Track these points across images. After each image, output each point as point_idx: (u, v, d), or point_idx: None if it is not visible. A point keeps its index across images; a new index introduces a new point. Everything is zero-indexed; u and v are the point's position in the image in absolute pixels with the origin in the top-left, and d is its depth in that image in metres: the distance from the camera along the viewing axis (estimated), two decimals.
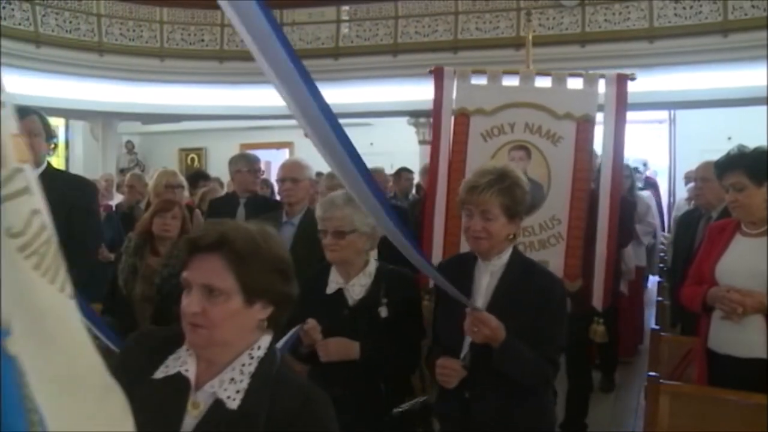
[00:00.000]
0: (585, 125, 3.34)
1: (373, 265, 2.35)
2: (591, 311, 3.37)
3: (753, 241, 2.51)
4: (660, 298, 4.20)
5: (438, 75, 3.52)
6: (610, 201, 3.31)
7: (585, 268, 3.32)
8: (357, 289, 2.30)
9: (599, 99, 3.49)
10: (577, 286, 3.32)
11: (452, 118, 3.45)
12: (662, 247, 6.16)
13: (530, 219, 3.07)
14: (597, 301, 3.32)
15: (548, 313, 2.04)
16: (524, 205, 2.09)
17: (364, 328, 2.23)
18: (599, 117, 3.47)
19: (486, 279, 2.10)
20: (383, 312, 2.25)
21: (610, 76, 3.47)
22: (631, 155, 9.37)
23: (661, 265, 5.65)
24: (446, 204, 3.40)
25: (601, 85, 3.45)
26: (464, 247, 3.01)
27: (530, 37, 4.09)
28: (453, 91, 3.47)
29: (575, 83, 3.49)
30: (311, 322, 2.19)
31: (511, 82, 3.51)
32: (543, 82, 3.50)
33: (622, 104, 3.41)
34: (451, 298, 2.01)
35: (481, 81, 3.54)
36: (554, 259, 3.27)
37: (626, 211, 3.70)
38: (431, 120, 3.65)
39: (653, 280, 7.05)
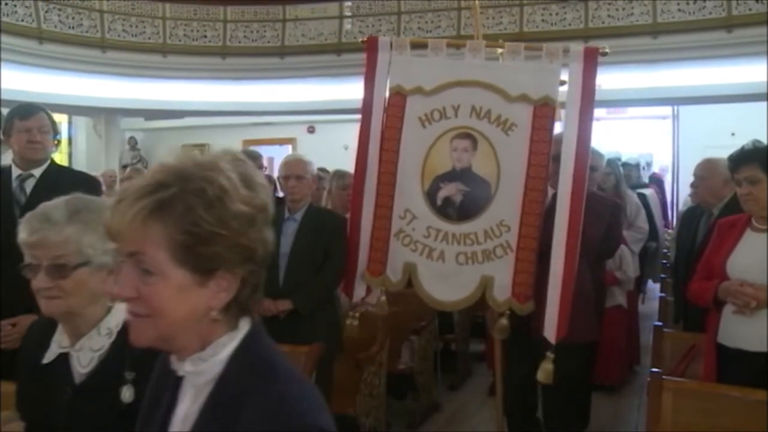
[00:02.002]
0: (544, 110, 2.66)
1: (116, 317, 1.46)
2: (541, 344, 2.69)
3: (764, 236, 2.52)
4: (663, 294, 4.19)
5: (371, 46, 2.92)
6: (570, 204, 2.59)
7: (539, 287, 2.69)
8: (86, 355, 1.46)
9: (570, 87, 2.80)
10: (527, 309, 2.72)
11: (385, 98, 2.90)
12: (666, 244, 6.08)
13: (472, 224, 2.70)
14: (549, 331, 2.63)
15: None
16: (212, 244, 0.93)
17: (95, 421, 1.39)
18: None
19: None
20: (127, 395, 1.37)
21: (575, 50, 2.76)
22: (636, 150, 9.29)
23: (664, 261, 5.60)
24: (375, 198, 2.91)
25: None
26: (394, 247, 2.89)
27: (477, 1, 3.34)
28: (387, 65, 2.89)
29: (534, 63, 2.82)
30: None
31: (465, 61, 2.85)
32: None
33: (589, 85, 2.64)
34: None
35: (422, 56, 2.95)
36: (500, 275, 2.71)
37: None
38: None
39: (652, 289, 6.75)
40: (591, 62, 2.64)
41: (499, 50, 2.90)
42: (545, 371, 2.63)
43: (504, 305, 2.74)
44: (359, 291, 3.02)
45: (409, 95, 2.83)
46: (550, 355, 2.63)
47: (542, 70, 2.71)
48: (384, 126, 2.88)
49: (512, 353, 3.07)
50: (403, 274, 2.87)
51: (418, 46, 2.99)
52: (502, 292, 2.70)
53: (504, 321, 2.78)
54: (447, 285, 2.80)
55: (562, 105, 2.75)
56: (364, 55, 3.00)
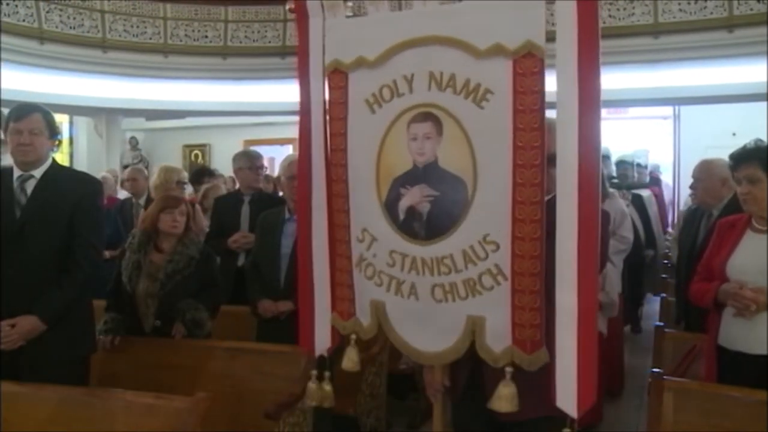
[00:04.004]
0: (527, 64, 1.70)
1: None
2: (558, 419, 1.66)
3: (764, 238, 2.52)
4: (664, 295, 4.20)
5: (300, 13, 2.15)
6: (578, 207, 1.62)
7: (550, 328, 1.71)
8: None
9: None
10: (538, 361, 1.74)
11: (323, 79, 2.10)
12: (666, 252, 6.02)
13: (446, 243, 1.82)
14: (564, 398, 1.65)
15: None
16: None
17: None
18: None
19: None
20: None
21: None
22: (630, 147, 8.83)
23: (666, 261, 5.58)
24: (327, 215, 2.12)
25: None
26: (358, 281, 2.02)
27: None
28: (321, 35, 2.12)
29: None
30: None
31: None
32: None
33: (590, 34, 1.63)
34: None
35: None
36: (493, 314, 1.79)
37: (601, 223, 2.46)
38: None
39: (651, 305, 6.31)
40: (590, 5, 1.66)
41: None
42: (502, 398, 1.79)
43: (503, 358, 1.78)
44: (322, 339, 2.16)
45: (350, 71, 2.02)
46: (509, 371, 1.77)
47: (519, 6, 1.75)
48: (327, 117, 2.11)
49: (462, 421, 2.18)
50: (371, 316, 2.03)
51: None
52: (498, 338, 1.78)
53: (507, 389, 1.79)
54: (424, 330, 1.94)
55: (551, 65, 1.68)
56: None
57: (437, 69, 1.85)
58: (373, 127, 1.98)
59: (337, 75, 2.06)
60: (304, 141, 2.16)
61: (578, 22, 1.60)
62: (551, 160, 1.75)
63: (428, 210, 1.89)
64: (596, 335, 1.70)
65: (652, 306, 6.28)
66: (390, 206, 1.94)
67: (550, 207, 1.69)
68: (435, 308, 1.89)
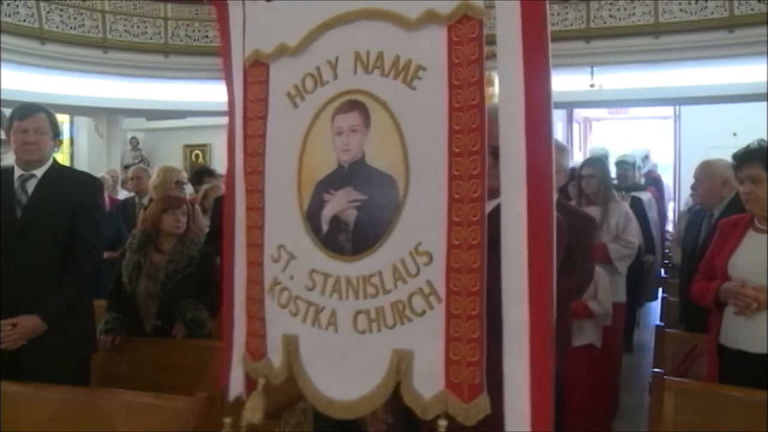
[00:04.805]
0: (463, 30, 1.41)
1: None
2: None
3: (765, 237, 2.53)
4: (665, 295, 4.20)
5: (220, 4, 1.98)
6: (528, 207, 1.34)
7: (493, 366, 1.36)
8: None
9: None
10: (477, 412, 1.35)
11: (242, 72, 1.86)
12: (668, 253, 5.96)
13: (375, 258, 1.51)
14: (513, 420, 1.33)
15: None
16: None
17: None
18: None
19: None
20: None
21: None
22: (631, 148, 8.68)
23: (666, 261, 5.57)
24: (245, 231, 1.81)
25: None
26: (270, 309, 1.67)
27: None
28: (241, 23, 1.90)
29: None
30: None
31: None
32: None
33: (538, 36, 1.36)
34: None
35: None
36: (424, 348, 1.43)
37: (578, 236, 2.20)
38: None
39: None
40: None
41: None
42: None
43: (434, 406, 1.40)
44: (236, 381, 1.83)
45: (271, 62, 1.78)
46: (442, 425, 1.38)
47: None
48: (245, 116, 1.84)
49: None
50: (282, 354, 1.69)
51: None
52: (428, 380, 1.41)
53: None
54: (340, 372, 1.59)
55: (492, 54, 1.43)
56: None
57: (363, 48, 1.57)
58: (295, 124, 1.70)
59: (258, 68, 1.81)
60: (233, 146, 1.87)
61: (523, 24, 1.33)
62: (495, 154, 1.44)
63: (355, 218, 1.56)
64: (552, 356, 1.34)
65: (651, 316, 6.23)
66: (312, 216, 1.63)
67: (496, 216, 1.37)
68: (356, 341, 1.54)
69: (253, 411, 1.73)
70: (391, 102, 1.51)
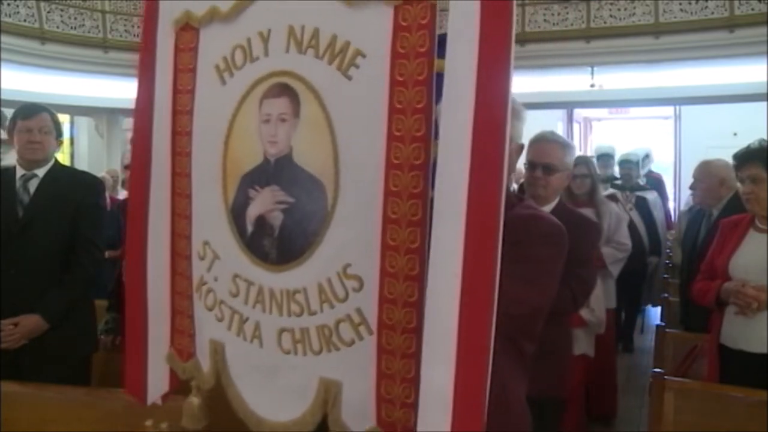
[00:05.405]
0: (415, 10, 1.13)
1: None
2: None
3: (766, 237, 2.54)
4: (666, 295, 4.20)
5: None
6: (466, 220, 1.00)
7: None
8: None
9: None
10: None
11: (171, 39, 1.63)
12: (668, 243, 5.98)
13: (300, 272, 1.29)
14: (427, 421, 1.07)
15: None
16: None
17: None
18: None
19: None
20: None
21: None
22: (631, 148, 8.60)
23: (667, 261, 5.56)
24: (170, 220, 1.60)
25: None
26: (198, 310, 1.52)
27: None
28: None
29: None
30: None
31: None
32: None
33: (501, 36, 1.01)
34: None
35: None
36: (354, 380, 1.25)
37: (577, 244, 1.80)
38: None
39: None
40: None
41: None
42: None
43: None
44: (155, 382, 1.65)
45: (202, 27, 1.53)
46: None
47: None
48: (174, 89, 1.62)
49: None
50: (210, 360, 1.52)
51: None
52: (357, 415, 1.25)
53: None
54: (268, 389, 1.42)
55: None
56: None
57: (298, 22, 1.31)
58: (222, 104, 1.45)
59: (188, 32, 1.57)
60: (142, 116, 1.67)
61: (482, 22, 1.00)
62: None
63: (281, 223, 1.34)
64: (487, 360, 1.03)
65: (652, 317, 6.22)
66: (237, 213, 1.42)
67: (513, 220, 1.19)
68: (282, 361, 1.35)
69: (189, 417, 1.57)
70: (323, 91, 1.26)
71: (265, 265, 1.36)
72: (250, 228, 1.38)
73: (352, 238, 1.22)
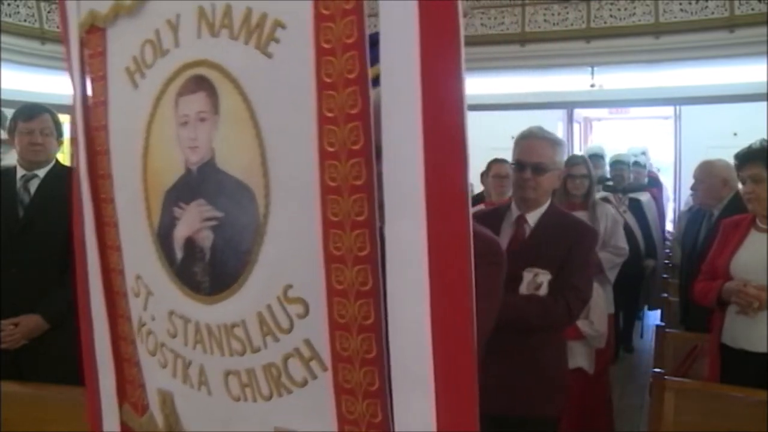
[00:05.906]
0: None
1: None
2: None
3: (767, 237, 2.53)
4: (665, 294, 4.20)
5: None
6: (427, 213, 0.81)
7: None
8: None
9: None
10: None
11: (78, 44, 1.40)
12: (668, 243, 5.97)
13: (235, 301, 1.09)
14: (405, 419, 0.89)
15: None
16: None
17: None
18: None
19: None
20: None
21: None
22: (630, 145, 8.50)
23: (667, 261, 5.55)
24: (98, 251, 1.37)
25: None
26: (143, 356, 1.31)
27: None
28: None
29: None
30: None
31: None
32: None
33: (449, 36, 0.83)
34: None
35: None
36: (310, 429, 1.03)
37: (582, 244, 2.14)
38: None
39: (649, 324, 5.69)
40: None
41: None
42: None
43: None
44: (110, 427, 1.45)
45: (108, 26, 1.32)
46: None
47: None
48: (86, 102, 1.41)
49: None
50: (161, 413, 1.32)
51: None
52: None
53: None
54: None
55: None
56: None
57: (208, 0, 1.10)
58: (135, 111, 1.24)
59: (95, 35, 1.34)
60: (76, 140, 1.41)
61: (421, 21, 0.83)
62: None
63: (212, 243, 1.12)
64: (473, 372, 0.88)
65: (652, 317, 6.22)
66: (164, 238, 1.21)
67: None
68: (233, 411, 1.16)
69: None
70: (242, 77, 1.06)
71: (199, 297, 1.15)
72: (179, 254, 1.17)
73: (289, 252, 1.01)
